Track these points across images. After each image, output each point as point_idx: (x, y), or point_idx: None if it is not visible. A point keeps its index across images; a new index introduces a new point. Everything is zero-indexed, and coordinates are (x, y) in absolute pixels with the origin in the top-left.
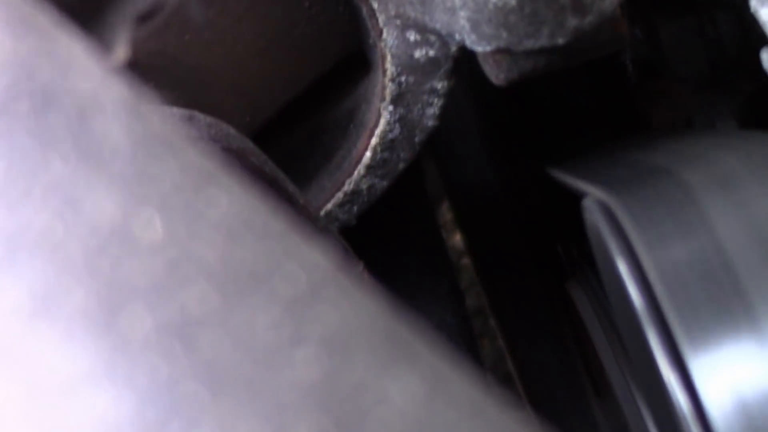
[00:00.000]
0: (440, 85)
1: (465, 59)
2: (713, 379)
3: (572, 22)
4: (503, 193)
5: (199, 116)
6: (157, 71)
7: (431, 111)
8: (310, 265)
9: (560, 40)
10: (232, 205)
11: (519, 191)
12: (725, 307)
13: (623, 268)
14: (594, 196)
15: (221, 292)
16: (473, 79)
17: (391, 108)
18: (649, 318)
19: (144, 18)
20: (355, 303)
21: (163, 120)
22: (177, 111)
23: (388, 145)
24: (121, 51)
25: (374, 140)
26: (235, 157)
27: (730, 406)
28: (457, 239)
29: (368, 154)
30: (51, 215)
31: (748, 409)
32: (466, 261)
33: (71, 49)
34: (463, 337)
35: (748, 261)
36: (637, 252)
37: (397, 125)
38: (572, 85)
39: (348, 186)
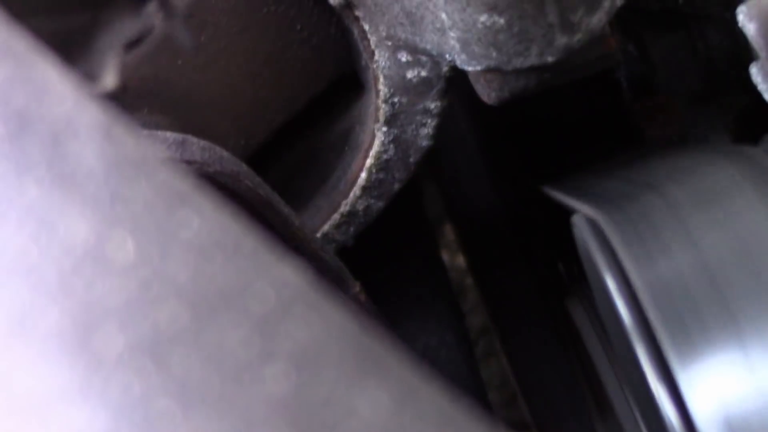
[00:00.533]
0: (433, 105)
1: (460, 79)
2: (701, 391)
3: (561, 40)
4: (504, 212)
5: (193, 140)
6: (150, 96)
7: (425, 131)
8: (280, 282)
9: (550, 59)
10: (204, 225)
11: (519, 209)
12: (712, 321)
13: (612, 283)
14: (583, 213)
15: (192, 310)
16: (471, 99)
17: (385, 129)
18: (637, 333)
19: (132, 45)
20: (324, 319)
21: (137, 143)
22: (170, 135)
23: (383, 165)
24: (110, 78)
25: (369, 161)
26: (229, 180)
27: (717, 418)
28: (459, 259)
29: (363, 175)
30: (26, 238)
31: (735, 421)
32: (469, 281)
33: (46, 74)
34: (462, 356)
35: (734, 276)
36: (625, 268)
37: (391, 146)
38: (568, 103)
39: (344, 207)
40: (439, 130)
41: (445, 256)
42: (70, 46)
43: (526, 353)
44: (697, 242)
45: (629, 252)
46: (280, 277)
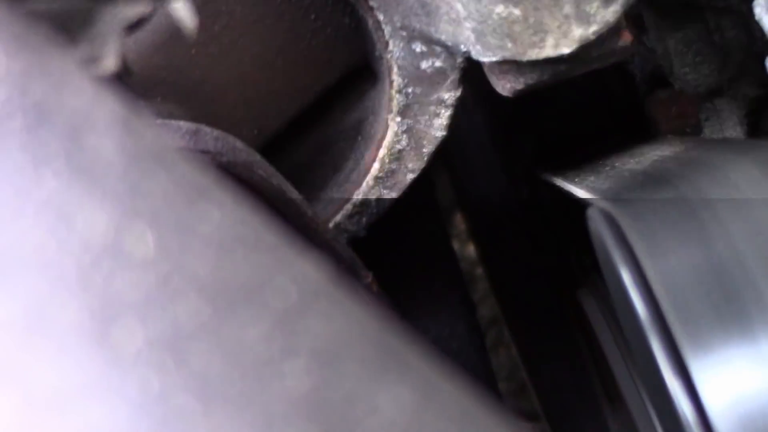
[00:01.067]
0: (447, 95)
1: (475, 70)
2: (715, 385)
3: (577, 31)
4: (516, 203)
5: (206, 129)
6: (164, 85)
7: (439, 122)
8: (301, 277)
9: (565, 50)
10: (224, 219)
11: (531, 200)
12: (727, 315)
13: (627, 277)
14: (598, 206)
15: (212, 305)
16: (484, 89)
17: (398, 119)
18: (652, 326)
19: (132, 27)
20: (345, 315)
21: (156, 135)
22: (183, 125)
23: (396, 156)
24: (111, 60)
25: (382, 151)
26: (242, 170)
27: (732, 412)
28: (470, 249)
29: (376, 165)
30: (44, 231)
31: (750, 416)
32: (480, 271)
33: (64, 66)
34: (473, 347)
35: (749, 270)
36: (641, 261)
37: (404, 136)
38: (582, 95)
39: (357, 197)
40: (452, 120)
41: (456, 245)
42: (71, 29)
43: (535, 344)
44: (711, 235)
45: (645, 245)
46: (301, 272)
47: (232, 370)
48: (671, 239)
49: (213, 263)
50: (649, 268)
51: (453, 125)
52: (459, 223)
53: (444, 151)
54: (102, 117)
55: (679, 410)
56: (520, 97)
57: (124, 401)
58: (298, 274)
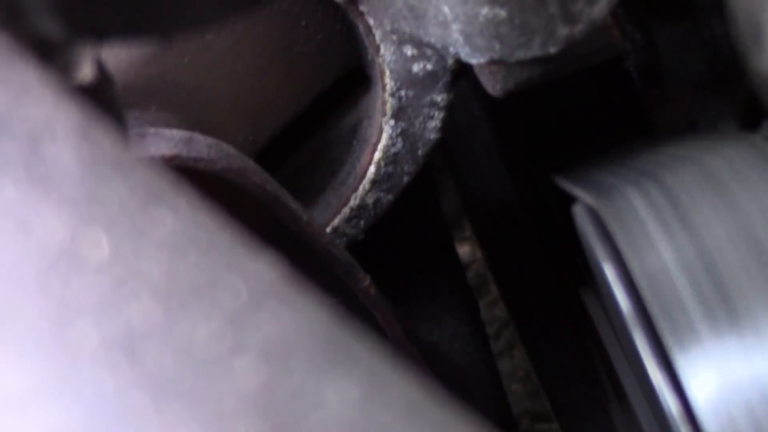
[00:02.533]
0: (440, 98)
1: (473, 73)
2: (700, 379)
3: (563, 31)
4: (521, 205)
5: (199, 137)
6: (158, 94)
7: (433, 124)
8: (253, 277)
9: (552, 50)
10: (178, 223)
11: (536, 201)
12: (711, 308)
13: (610, 272)
14: (583, 202)
15: (164, 306)
16: (485, 93)
17: (392, 122)
18: (636, 320)
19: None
20: (295, 312)
21: (114, 143)
22: (177, 133)
23: (391, 159)
24: (87, 70)
25: (377, 155)
26: (236, 177)
27: (716, 405)
28: (479, 254)
29: (372, 168)
30: (4, 238)
31: (735, 408)
32: (489, 275)
33: (25, 76)
34: (476, 347)
35: (732, 263)
36: (624, 256)
37: (399, 139)
38: (580, 94)
39: (354, 201)
40: (446, 122)
41: (467, 248)
42: (47, 42)
43: (545, 345)
44: (695, 229)
45: (628, 240)
46: (253, 272)
47: (183, 368)
48: (655, 233)
49: (166, 266)
50: (632, 262)
51: (455, 129)
52: (466, 227)
53: (448, 156)
54: (61, 126)
55: (664, 404)
56: (520, 98)
57: (79, 400)
58: (249, 274)
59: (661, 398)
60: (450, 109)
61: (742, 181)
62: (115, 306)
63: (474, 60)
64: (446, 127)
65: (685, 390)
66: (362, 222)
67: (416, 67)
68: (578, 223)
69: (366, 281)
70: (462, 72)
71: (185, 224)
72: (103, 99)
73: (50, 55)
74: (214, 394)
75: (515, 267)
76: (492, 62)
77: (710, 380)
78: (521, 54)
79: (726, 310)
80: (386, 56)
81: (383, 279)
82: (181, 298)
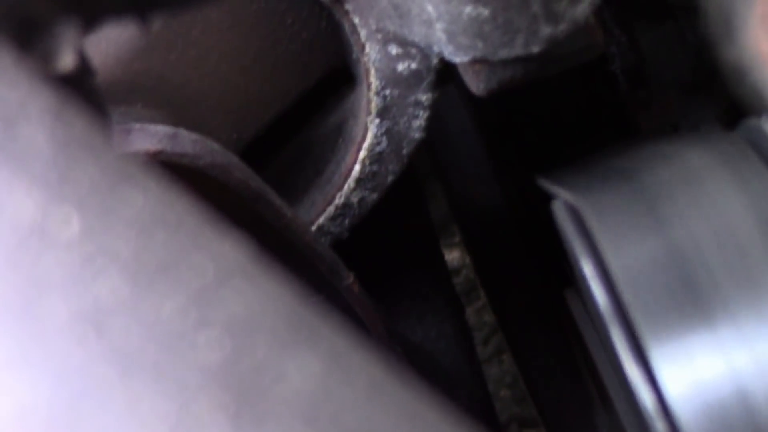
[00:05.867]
0: (424, 97)
1: (460, 78)
2: (676, 374)
3: (545, 30)
4: (509, 209)
5: (184, 133)
6: (144, 90)
7: (417, 123)
8: (219, 256)
9: (535, 49)
10: (147, 203)
11: (523, 206)
12: (687, 304)
13: (587, 268)
14: (562, 199)
15: (132, 282)
16: (473, 99)
17: (377, 121)
18: (612, 316)
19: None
20: (259, 290)
21: (87, 125)
22: (162, 128)
23: (376, 158)
24: (68, 58)
25: (362, 153)
26: (220, 173)
27: (692, 400)
28: (467, 260)
29: (357, 167)
30: None
31: (710, 403)
32: (478, 281)
33: (1, 60)
34: (461, 347)
35: (708, 259)
36: (602, 252)
37: (384, 138)
38: (567, 98)
39: (339, 200)
40: (431, 122)
41: (457, 254)
42: (27, 26)
43: (532, 351)
44: (671, 226)
45: (606, 237)
46: (219, 251)
47: (148, 342)
48: (631, 230)
49: (134, 244)
50: (609, 259)
51: (441, 133)
52: (456, 233)
53: (436, 161)
54: (35, 108)
55: (640, 398)
56: (507, 102)
57: (46, 373)
58: (216, 252)
59: (637, 393)
60: (436, 111)
61: (718, 178)
62: (83, 282)
63: (457, 59)
64: (431, 127)
65: (660, 384)
66: (347, 221)
67: (401, 66)
68: (557, 220)
69: (350, 279)
70: (446, 72)
71: (154, 204)
72: (84, 89)
73: (31, 42)
74: (178, 367)
75: (503, 273)
76: (475, 61)
77: (685, 374)
78: (504, 53)
79: (701, 305)
80: (371, 55)
81: (368, 279)
82: (148, 274)
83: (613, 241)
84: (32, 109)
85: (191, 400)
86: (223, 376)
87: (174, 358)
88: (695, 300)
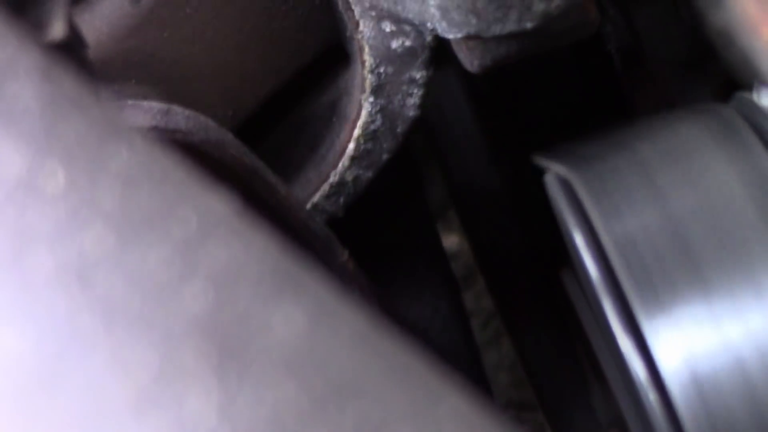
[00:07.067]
0: (419, 75)
1: (457, 61)
2: (668, 345)
3: (539, 6)
4: (506, 193)
5: (177, 109)
6: (138, 67)
7: (412, 101)
8: (204, 209)
9: (528, 25)
10: (132, 157)
11: (521, 189)
12: (678, 275)
13: (579, 239)
14: (554, 172)
15: (117, 234)
16: (471, 82)
17: (371, 99)
18: (604, 287)
19: None
20: (244, 242)
21: (74, 82)
22: (156, 105)
23: (370, 136)
24: (58, 27)
25: (357, 132)
26: (214, 149)
27: (683, 371)
28: (466, 245)
29: (351, 145)
30: None
31: (702, 374)
32: (477, 266)
33: None
34: (457, 326)
35: (699, 230)
36: (594, 224)
37: (378, 116)
38: (562, 78)
39: (333, 178)
40: (426, 100)
41: (456, 239)
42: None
43: (530, 335)
44: (664, 197)
45: (597, 208)
46: (204, 204)
47: (133, 293)
48: (624, 202)
49: (119, 196)
50: (601, 230)
51: (439, 118)
52: (453, 219)
53: (434, 146)
54: (23, 67)
55: (632, 370)
56: (505, 84)
57: (32, 322)
58: (200, 205)
59: (629, 365)
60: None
61: (711, 150)
62: (69, 234)
63: (451, 35)
64: (430, 112)
65: (652, 356)
66: (342, 199)
67: (395, 44)
68: (550, 192)
69: (344, 256)
70: (441, 49)
71: (140, 158)
72: (75, 57)
73: (22, 12)
74: (162, 317)
75: (501, 257)
76: (469, 38)
77: (678, 346)
78: (497, 29)
79: (693, 276)
80: (365, 32)
81: (364, 258)
82: (133, 226)
83: (604, 212)
84: (20, 67)
85: (175, 350)
86: (206, 326)
87: (158, 308)
88: (688, 271)
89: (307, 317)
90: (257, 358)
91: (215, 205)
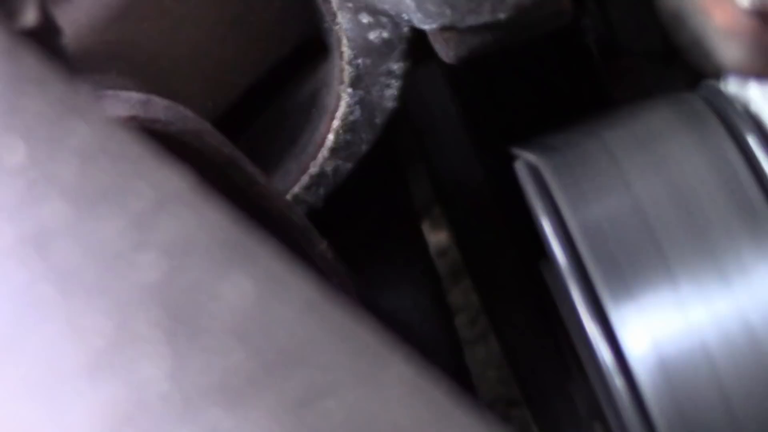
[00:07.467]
0: (396, 66)
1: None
2: (634, 330)
3: None
4: (491, 189)
5: (156, 99)
6: (117, 59)
7: (390, 92)
8: (159, 183)
9: (502, 15)
10: (91, 133)
11: (504, 183)
12: (644, 261)
13: (547, 226)
14: (524, 159)
15: (74, 206)
16: (455, 77)
17: (350, 90)
18: (571, 273)
19: None
20: (197, 215)
21: (36, 61)
22: (135, 95)
23: (349, 127)
24: (30, 14)
25: (336, 123)
26: (192, 139)
27: (650, 356)
28: (452, 242)
29: (331, 136)
30: None
31: (668, 360)
32: (462, 263)
33: None
34: (437, 317)
35: (666, 216)
36: (562, 211)
37: (357, 107)
38: (541, 72)
39: (313, 169)
40: (403, 91)
41: (443, 235)
42: None
43: (515, 331)
44: (631, 184)
45: (565, 194)
46: (160, 178)
47: (89, 263)
48: (591, 188)
49: (77, 170)
50: (569, 217)
51: (423, 113)
52: (438, 216)
53: (419, 141)
54: None
55: (599, 355)
56: (487, 79)
57: None
58: (156, 180)
59: (596, 351)
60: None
61: (677, 137)
62: (28, 206)
63: (426, 26)
64: (414, 110)
65: (618, 341)
66: (321, 190)
67: (372, 35)
68: (519, 179)
69: (322, 245)
70: (424, 44)
71: (99, 135)
72: (48, 44)
73: None
74: (117, 286)
75: (486, 253)
76: (444, 28)
77: (644, 332)
78: (471, 20)
79: (660, 262)
80: (343, 24)
81: (345, 250)
82: (90, 199)
83: (572, 198)
84: None
85: (129, 317)
86: (159, 295)
87: (113, 277)
88: (654, 256)
89: (256, 286)
90: (207, 326)
91: (170, 180)
